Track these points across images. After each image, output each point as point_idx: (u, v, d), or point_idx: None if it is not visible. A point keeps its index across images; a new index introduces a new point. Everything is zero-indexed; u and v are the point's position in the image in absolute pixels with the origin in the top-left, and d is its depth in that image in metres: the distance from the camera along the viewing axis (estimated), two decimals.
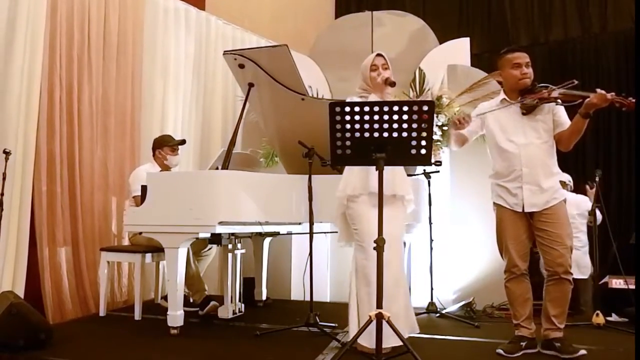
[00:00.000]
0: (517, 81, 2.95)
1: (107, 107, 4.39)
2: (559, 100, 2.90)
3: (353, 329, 2.86)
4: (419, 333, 3.03)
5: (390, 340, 2.61)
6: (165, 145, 4.16)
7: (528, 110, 2.94)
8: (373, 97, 2.92)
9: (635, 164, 3.17)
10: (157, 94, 4.92)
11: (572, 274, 2.87)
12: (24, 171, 3.71)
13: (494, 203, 3.06)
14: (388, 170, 2.60)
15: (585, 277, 4.32)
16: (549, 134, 2.95)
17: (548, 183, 2.90)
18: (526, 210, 2.91)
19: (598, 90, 2.74)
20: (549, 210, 2.87)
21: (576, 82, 2.86)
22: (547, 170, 2.92)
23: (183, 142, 4.27)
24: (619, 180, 5.83)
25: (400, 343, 2.54)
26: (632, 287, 4.02)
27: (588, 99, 2.76)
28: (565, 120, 2.94)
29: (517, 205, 2.93)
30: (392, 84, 2.92)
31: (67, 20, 4.05)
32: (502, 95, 3.04)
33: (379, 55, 3.02)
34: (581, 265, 4.31)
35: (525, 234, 2.96)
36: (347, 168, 2.96)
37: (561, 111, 2.96)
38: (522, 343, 2.90)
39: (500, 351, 2.88)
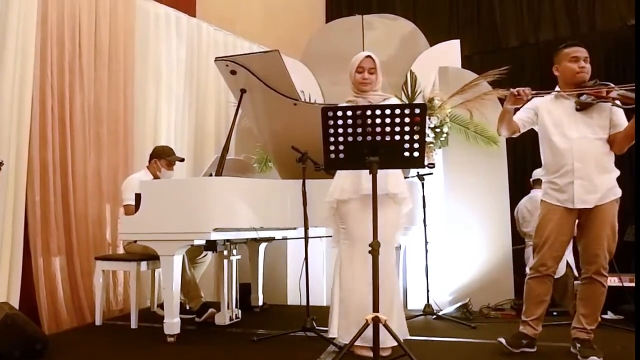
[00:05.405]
0: (574, 74, 2.86)
1: (99, 115, 4.38)
2: (617, 102, 2.79)
3: (334, 325, 2.92)
4: (416, 335, 3.03)
5: (388, 342, 2.63)
6: (163, 157, 4.12)
7: (582, 107, 2.83)
8: (363, 102, 2.87)
9: (636, 164, 3.16)
10: (149, 101, 4.91)
11: (605, 276, 2.79)
12: (16, 181, 3.69)
13: (542, 200, 2.96)
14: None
15: (558, 276, 4.32)
16: (604, 131, 2.82)
17: (601, 179, 2.79)
18: (576, 206, 2.79)
19: None
20: (598, 208, 2.78)
21: None
22: (601, 166, 2.80)
23: (182, 160, 4.26)
24: (619, 180, 5.83)
25: (394, 344, 2.55)
26: (627, 284, 4.04)
27: None
28: (622, 122, 2.81)
29: (567, 201, 2.81)
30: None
31: (57, 28, 4.05)
32: (557, 89, 2.94)
33: (368, 57, 2.94)
34: None
35: (567, 235, 2.87)
36: (337, 173, 2.93)
37: (619, 112, 2.83)
38: (523, 340, 2.90)
39: (502, 340, 2.87)
